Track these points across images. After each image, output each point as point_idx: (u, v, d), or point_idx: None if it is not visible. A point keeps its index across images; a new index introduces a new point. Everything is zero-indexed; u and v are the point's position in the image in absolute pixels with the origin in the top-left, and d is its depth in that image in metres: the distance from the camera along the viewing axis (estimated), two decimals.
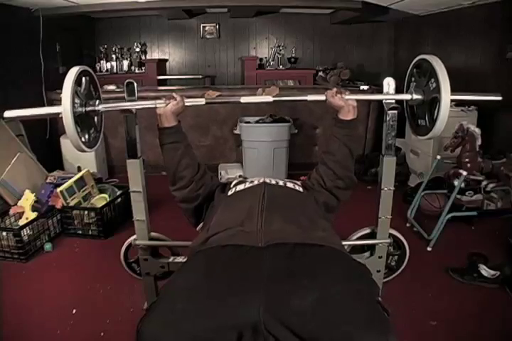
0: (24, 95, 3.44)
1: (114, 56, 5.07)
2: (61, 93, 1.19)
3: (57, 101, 3.67)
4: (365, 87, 4.00)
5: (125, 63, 5.10)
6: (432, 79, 1.30)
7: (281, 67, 5.22)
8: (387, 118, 1.47)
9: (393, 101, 1.47)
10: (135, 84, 1.49)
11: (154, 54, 5.39)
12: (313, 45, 5.42)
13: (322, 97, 1.43)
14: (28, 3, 3.38)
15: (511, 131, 2.96)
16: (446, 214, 2.46)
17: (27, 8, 3.47)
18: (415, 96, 1.38)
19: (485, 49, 3.28)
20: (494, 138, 2.99)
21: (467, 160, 2.50)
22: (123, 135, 1.52)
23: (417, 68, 1.43)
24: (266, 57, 5.37)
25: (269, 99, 1.49)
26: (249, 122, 3.57)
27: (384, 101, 1.47)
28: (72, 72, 1.24)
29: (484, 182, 2.60)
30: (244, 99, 1.51)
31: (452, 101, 1.27)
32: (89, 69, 1.37)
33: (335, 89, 1.42)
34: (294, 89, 4.09)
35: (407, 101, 1.45)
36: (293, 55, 5.25)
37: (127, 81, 1.49)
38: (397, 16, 4.42)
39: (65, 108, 1.18)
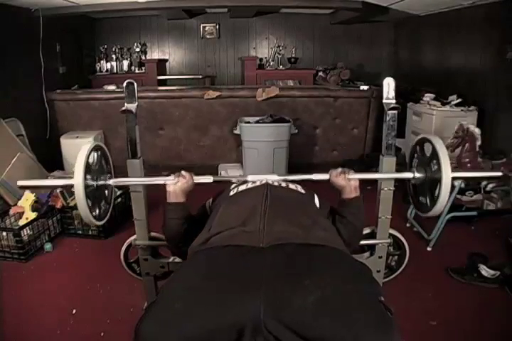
0: (24, 95, 3.45)
1: (114, 56, 5.07)
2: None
3: (57, 102, 3.70)
4: (365, 87, 4.00)
5: (125, 63, 5.10)
6: (434, 161, 1.32)
7: (281, 67, 5.22)
8: (387, 119, 1.47)
9: (393, 101, 1.47)
10: (135, 85, 1.49)
11: (154, 54, 5.40)
12: (313, 45, 5.42)
13: (326, 176, 1.45)
14: (28, 3, 3.38)
15: (511, 131, 2.96)
16: (446, 214, 2.46)
17: (27, 8, 3.48)
18: (417, 175, 1.41)
19: (485, 49, 3.28)
20: (494, 138, 2.99)
21: (467, 160, 2.51)
22: (123, 135, 1.52)
23: (419, 145, 1.45)
24: (266, 57, 5.37)
25: (275, 177, 1.44)
26: (249, 122, 3.57)
27: (384, 101, 1.48)
28: (85, 149, 1.26)
29: (484, 182, 2.60)
30: (251, 177, 1.46)
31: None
32: (102, 145, 1.40)
33: (339, 170, 1.44)
34: (294, 89, 4.08)
35: (409, 179, 1.46)
36: (293, 55, 5.25)
37: (127, 81, 1.49)
38: (397, 16, 4.42)
39: (77, 184, 1.21)
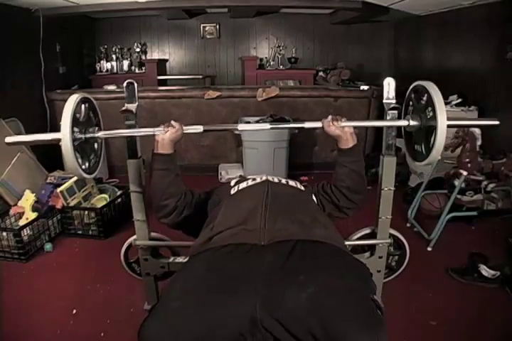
0: (24, 95, 3.45)
1: (114, 56, 5.07)
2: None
3: (57, 102, 3.69)
4: (365, 87, 4.00)
5: (125, 63, 5.10)
6: (429, 108, 1.28)
7: (281, 67, 5.22)
8: (388, 119, 1.47)
9: (393, 101, 1.47)
10: (135, 85, 1.49)
11: (154, 54, 5.39)
12: (314, 45, 5.42)
13: (319, 124, 1.43)
14: (28, 3, 3.38)
15: (511, 131, 2.95)
16: (446, 214, 2.46)
17: (27, 8, 3.47)
18: (412, 123, 1.37)
19: (485, 49, 3.28)
20: (494, 138, 2.98)
21: (467, 160, 2.50)
22: None
23: (414, 93, 1.41)
24: (266, 57, 5.37)
25: (267, 126, 1.50)
26: (249, 122, 3.57)
27: (384, 101, 1.48)
28: (72, 100, 1.23)
29: (484, 182, 2.60)
30: (241, 127, 1.55)
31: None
32: (89, 96, 1.37)
33: (330, 117, 1.40)
34: (294, 89, 4.08)
35: (404, 127, 1.43)
36: (293, 55, 5.25)
37: (127, 81, 1.49)
38: (397, 16, 4.42)
39: (64, 136, 1.18)
